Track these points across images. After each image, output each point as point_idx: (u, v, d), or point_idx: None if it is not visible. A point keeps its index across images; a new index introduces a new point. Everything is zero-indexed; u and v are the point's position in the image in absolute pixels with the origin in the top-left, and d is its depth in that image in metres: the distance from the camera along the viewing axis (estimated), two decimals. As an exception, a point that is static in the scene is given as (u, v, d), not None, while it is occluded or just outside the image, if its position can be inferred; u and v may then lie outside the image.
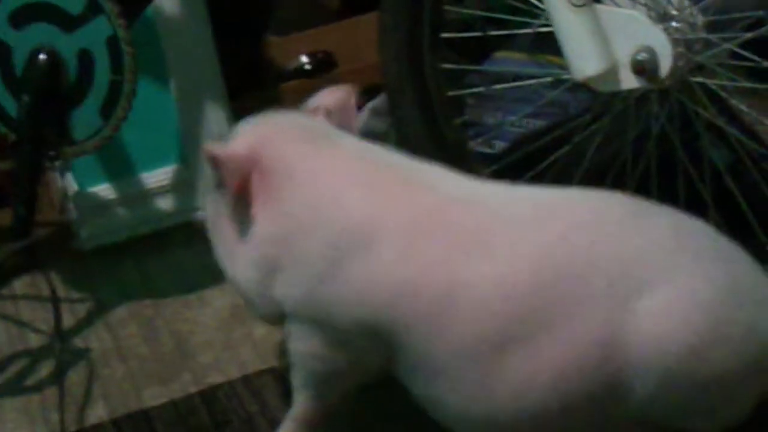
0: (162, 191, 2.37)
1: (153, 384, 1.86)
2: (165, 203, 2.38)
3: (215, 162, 1.49)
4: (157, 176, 2.37)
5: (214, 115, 2.37)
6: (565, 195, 1.48)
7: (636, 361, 1.33)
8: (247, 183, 1.48)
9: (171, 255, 2.30)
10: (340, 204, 1.44)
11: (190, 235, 2.36)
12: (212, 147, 1.50)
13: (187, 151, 2.38)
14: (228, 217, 1.53)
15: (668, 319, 1.33)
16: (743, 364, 1.39)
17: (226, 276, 1.59)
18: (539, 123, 2.12)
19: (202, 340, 1.98)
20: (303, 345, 1.50)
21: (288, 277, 1.46)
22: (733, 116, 1.81)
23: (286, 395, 1.75)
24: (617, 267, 1.35)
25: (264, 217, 1.47)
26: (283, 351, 1.88)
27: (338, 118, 1.58)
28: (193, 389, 1.83)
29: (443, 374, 1.38)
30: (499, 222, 1.42)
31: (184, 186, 2.38)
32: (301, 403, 1.57)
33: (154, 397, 1.82)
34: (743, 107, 1.77)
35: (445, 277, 1.37)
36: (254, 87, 2.55)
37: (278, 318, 1.52)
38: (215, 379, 1.85)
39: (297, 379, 1.56)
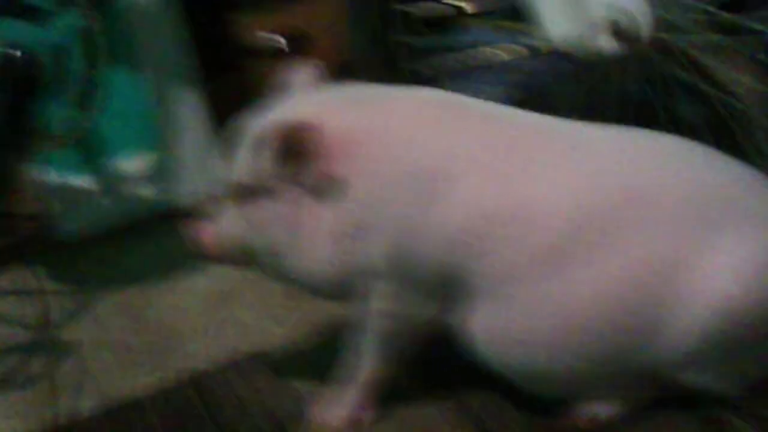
0: (140, 179, 2.37)
1: (143, 373, 1.85)
2: (144, 191, 2.38)
3: (304, 137, 1.43)
4: (135, 164, 2.36)
5: (189, 100, 2.36)
6: (636, 132, 1.51)
7: (690, 298, 1.37)
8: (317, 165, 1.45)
9: (153, 242, 2.30)
10: (416, 150, 1.43)
11: (171, 221, 2.36)
12: (288, 125, 1.44)
13: (163, 138, 2.37)
14: (293, 204, 1.48)
15: (736, 271, 1.36)
16: None
17: (283, 272, 1.55)
18: (515, 92, 2.11)
19: (189, 326, 1.98)
20: (382, 304, 1.50)
21: (376, 238, 1.45)
22: (707, 73, 1.80)
23: (275, 377, 1.76)
24: (687, 201, 1.39)
25: (346, 189, 1.45)
26: (269, 332, 1.90)
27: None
28: (181, 372, 1.82)
29: (512, 298, 1.41)
30: (570, 144, 1.45)
31: (162, 172, 2.38)
32: (368, 366, 1.58)
33: (145, 386, 1.81)
34: (717, 63, 1.77)
35: (519, 196, 1.40)
36: (227, 69, 2.53)
37: (350, 291, 1.51)
38: (204, 364, 1.84)
39: (370, 343, 1.56)
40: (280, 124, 1.44)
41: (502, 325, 1.44)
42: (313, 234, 1.48)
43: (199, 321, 1.99)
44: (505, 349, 1.46)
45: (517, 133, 1.46)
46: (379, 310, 1.51)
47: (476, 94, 2.09)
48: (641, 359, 1.42)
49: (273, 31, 2.57)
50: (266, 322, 1.94)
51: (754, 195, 1.43)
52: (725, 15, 1.66)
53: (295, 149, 1.44)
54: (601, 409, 1.50)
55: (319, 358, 1.80)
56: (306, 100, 1.53)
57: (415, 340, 1.55)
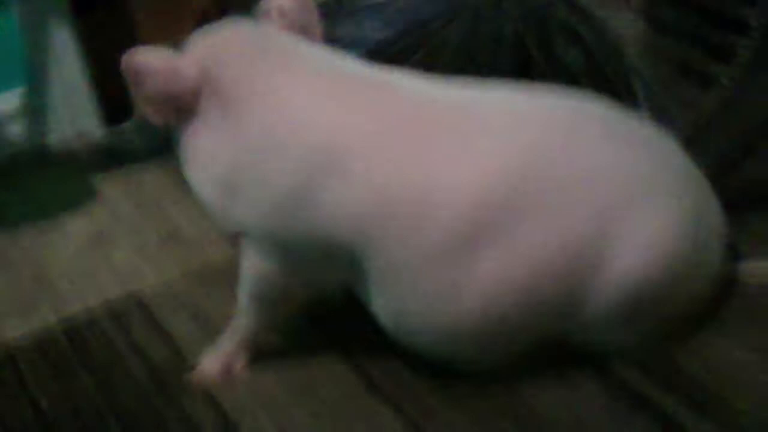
0: (10, 116, 2.31)
1: (11, 317, 1.80)
2: (13, 129, 2.32)
3: (153, 74, 1.42)
4: (3, 101, 2.30)
5: (61, 34, 2.30)
6: (542, 99, 1.44)
7: (605, 277, 1.34)
8: (196, 102, 1.43)
9: (23, 182, 2.24)
10: (303, 123, 1.37)
11: (41, 160, 2.31)
12: (150, 58, 1.42)
13: (33, 74, 2.31)
14: (188, 134, 1.46)
15: (647, 248, 1.34)
16: (689, 292, 1.43)
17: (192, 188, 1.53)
18: (392, 31, 2.09)
19: (62, 269, 1.93)
20: (257, 266, 1.46)
21: (248, 200, 1.40)
22: (586, 15, 1.80)
23: (149, 320, 1.73)
24: (598, 179, 1.34)
25: (222, 140, 1.41)
26: (145, 277, 1.86)
27: (296, 19, 1.50)
28: (53, 319, 1.77)
29: (412, 282, 1.36)
30: (473, 123, 1.38)
31: (31, 110, 2.32)
32: (243, 322, 1.55)
33: (12, 329, 1.76)
34: (595, 5, 1.77)
35: (419, 181, 1.33)
36: (102, 2, 2.47)
37: (239, 235, 1.48)
38: (75, 307, 1.79)
39: (243, 298, 1.52)
40: (124, 58, 1.42)
41: (399, 308, 1.40)
42: (197, 167, 1.46)
43: (71, 265, 1.94)
44: (405, 328, 1.42)
45: (415, 109, 1.39)
46: (251, 268, 1.48)
47: (356, 32, 2.08)
48: (550, 333, 1.41)
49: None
50: (142, 266, 1.90)
51: (662, 165, 1.41)
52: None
53: (135, 83, 1.43)
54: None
55: (197, 304, 1.77)
56: (206, 42, 1.48)
57: (295, 303, 1.53)
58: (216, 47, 1.46)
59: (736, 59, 1.58)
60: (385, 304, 1.42)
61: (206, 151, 1.44)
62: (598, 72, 1.79)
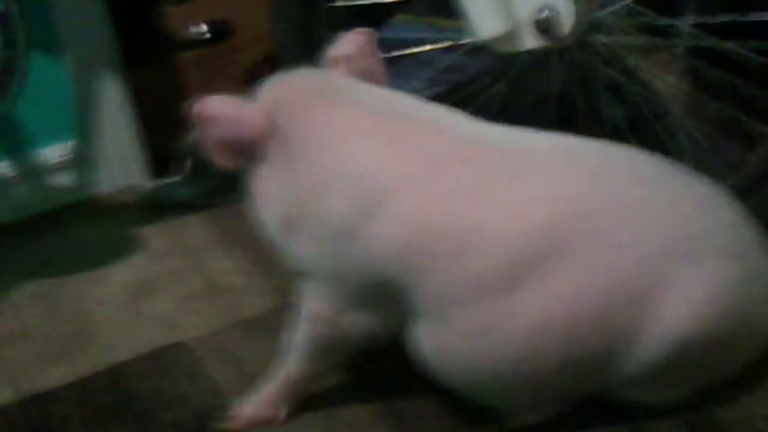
0: (60, 167, 2.34)
1: (59, 364, 1.82)
2: (64, 179, 2.35)
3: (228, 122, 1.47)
4: (54, 152, 2.33)
5: (111, 87, 2.33)
6: (594, 144, 1.45)
7: (650, 333, 1.33)
8: (263, 147, 1.47)
9: (73, 232, 2.27)
10: (356, 162, 1.40)
11: (91, 211, 2.34)
12: (220, 105, 1.47)
13: (84, 126, 2.34)
14: (254, 176, 1.50)
15: (695, 306, 1.32)
16: (739, 351, 1.42)
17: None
18: (438, 88, 2.11)
19: (108, 317, 1.95)
20: (315, 305, 1.48)
21: (305, 237, 1.44)
22: (631, 73, 1.81)
23: (192, 369, 1.74)
24: (647, 230, 1.34)
25: (284, 181, 1.45)
26: (190, 324, 1.88)
27: (361, 65, 1.54)
28: (99, 367, 1.79)
29: (456, 319, 1.36)
30: (522, 164, 1.39)
31: (82, 161, 2.35)
32: (292, 365, 1.56)
33: (58, 375, 1.78)
34: (640, 64, 1.78)
35: (464, 217, 1.35)
36: (152, 58, 2.51)
37: (299, 275, 1.51)
38: (122, 356, 1.81)
39: (297, 340, 1.53)
40: (196, 105, 1.46)
41: (443, 344, 1.40)
42: (263, 205, 1.50)
43: (117, 312, 1.97)
44: (445, 366, 1.43)
45: (465, 150, 1.40)
46: (309, 310, 1.49)
47: (399, 88, 2.10)
48: (589, 385, 1.41)
49: (197, 21, 2.56)
50: (187, 314, 1.92)
51: (716, 222, 1.40)
52: (650, 15, 1.67)
53: (205, 128, 1.47)
54: (530, 416, 1.49)
55: (240, 354, 1.78)
56: (271, 90, 1.53)
57: (348, 349, 1.53)
58: (282, 95, 1.50)
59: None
60: (426, 340, 1.43)
61: (270, 192, 1.48)
62: (643, 130, 1.80)
